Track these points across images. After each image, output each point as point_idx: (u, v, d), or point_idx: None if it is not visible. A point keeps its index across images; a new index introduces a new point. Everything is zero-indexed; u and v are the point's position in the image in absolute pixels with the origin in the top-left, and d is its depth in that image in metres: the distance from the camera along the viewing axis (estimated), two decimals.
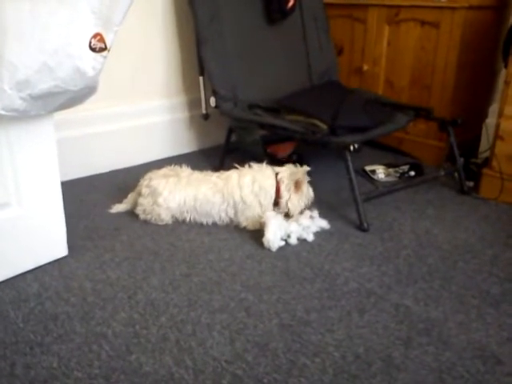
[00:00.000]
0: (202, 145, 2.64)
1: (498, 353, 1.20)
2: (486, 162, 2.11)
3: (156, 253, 1.63)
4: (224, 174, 1.84)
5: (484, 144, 2.42)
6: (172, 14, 2.39)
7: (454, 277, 1.51)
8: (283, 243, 1.67)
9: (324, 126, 1.96)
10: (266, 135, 2.16)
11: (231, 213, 1.79)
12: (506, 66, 2.03)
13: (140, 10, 2.23)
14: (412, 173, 2.23)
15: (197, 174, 1.87)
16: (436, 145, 2.37)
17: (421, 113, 2.16)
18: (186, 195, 1.79)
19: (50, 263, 1.55)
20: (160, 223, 1.82)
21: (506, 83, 1.95)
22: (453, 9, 2.21)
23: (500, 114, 1.99)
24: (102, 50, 1.21)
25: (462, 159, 2.14)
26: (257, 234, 1.71)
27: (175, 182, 1.81)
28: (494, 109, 2.39)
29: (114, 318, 1.31)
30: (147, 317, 1.31)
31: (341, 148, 1.79)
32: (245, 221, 1.78)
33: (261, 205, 1.78)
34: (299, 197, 1.81)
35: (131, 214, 1.89)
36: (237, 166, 1.86)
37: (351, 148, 1.75)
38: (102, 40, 1.20)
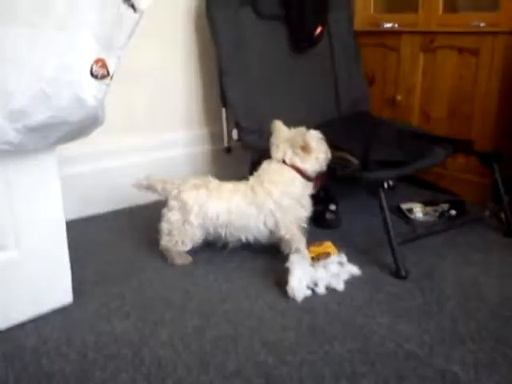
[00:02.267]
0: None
1: None
2: None
3: (168, 301, 1.48)
4: (248, 184, 1.71)
5: None
6: (193, 42, 2.30)
7: (508, 337, 1.30)
8: (310, 292, 1.49)
9: (355, 161, 1.79)
10: None
11: (271, 222, 1.65)
12: None
13: (159, 37, 2.15)
14: (453, 212, 2.02)
15: (227, 185, 1.72)
16: (477, 180, 2.16)
17: (460, 146, 1.97)
18: (220, 208, 1.65)
19: (52, 312, 1.42)
20: (184, 249, 1.67)
21: None
22: (494, 34, 2.04)
23: None
24: (104, 76, 1.09)
25: (507, 197, 1.93)
26: (281, 279, 1.53)
27: (206, 194, 1.67)
28: None
29: (114, 380, 1.15)
30: (151, 380, 1.15)
31: (374, 184, 1.63)
32: (285, 229, 1.64)
33: (298, 200, 1.65)
34: (315, 156, 1.66)
35: (146, 254, 1.74)
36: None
37: (385, 185, 1.59)
38: (104, 66, 1.09)
